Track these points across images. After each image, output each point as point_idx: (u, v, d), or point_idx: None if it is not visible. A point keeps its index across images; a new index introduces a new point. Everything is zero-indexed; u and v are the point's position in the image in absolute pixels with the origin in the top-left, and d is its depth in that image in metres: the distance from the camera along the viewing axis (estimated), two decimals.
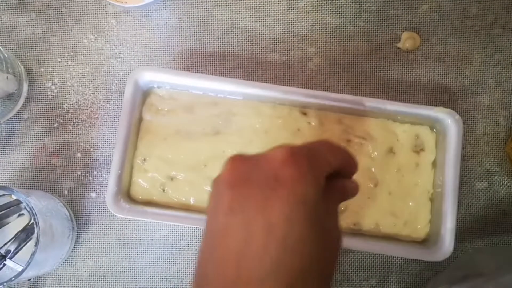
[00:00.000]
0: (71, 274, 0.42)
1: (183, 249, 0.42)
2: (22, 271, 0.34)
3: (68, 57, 0.45)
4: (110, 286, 0.42)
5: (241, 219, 0.24)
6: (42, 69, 0.45)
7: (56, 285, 0.42)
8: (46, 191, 0.42)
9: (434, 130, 0.42)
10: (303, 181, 0.24)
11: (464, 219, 0.43)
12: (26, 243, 0.38)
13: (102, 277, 0.42)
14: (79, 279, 0.42)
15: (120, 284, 0.42)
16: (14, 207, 0.39)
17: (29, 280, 0.41)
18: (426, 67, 0.45)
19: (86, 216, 0.43)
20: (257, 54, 0.45)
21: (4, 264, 0.36)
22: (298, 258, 0.23)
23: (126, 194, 0.41)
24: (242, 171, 0.25)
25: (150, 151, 0.41)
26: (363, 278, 0.42)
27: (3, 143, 0.43)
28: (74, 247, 0.42)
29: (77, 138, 0.44)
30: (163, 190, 0.41)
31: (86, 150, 0.44)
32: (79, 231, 0.42)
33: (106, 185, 0.43)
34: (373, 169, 0.41)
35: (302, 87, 0.41)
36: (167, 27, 0.45)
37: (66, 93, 0.44)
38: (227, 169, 0.25)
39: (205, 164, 0.41)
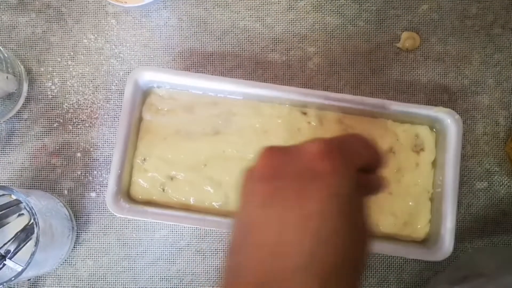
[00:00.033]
0: (71, 274, 0.42)
1: (183, 249, 0.42)
2: (22, 271, 0.34)
3: (68, 57, 0.45)
4: (110, 286, 0.42)
5: (275, 211, 0.24)
6: (42, 69, 0.45)
7: (56, 285, 0.42)
8: (46, 191, 0.42)
9: (434, 130, 0.42)
10: (337, 175, 0.24)
11: (464, 219, 0.43)
12: (26, 243, 0.38)
13: (102, 277, 0.42)
14: (79, 279, 0.42)
15: (120, 284, 0.42)
16: (14, 207, 0.39)
17: (29, 280, 0.41)
18: (426, 67, 0.45)
19: (86, 216, 0.43)
20: (257, 54, 0.45)
21: (4, 264, 0.36)
22: (331, 252, 0.23)
23: (126, 194, 0.41)
24: (276, 163, 0.25)
25: (150, 151, 0.41)
26: (363, 277, 0.42)
27: (3, 143, 0.43)
28: (74, 247, 0.42)
29: (77, 138, 0.44)
30: (163, 190, 0.41)
31: (86, 150, 0.44)
32: (79, 231, 0.42)
33: (106, 185, 0.43)
34: None
35: (302, 87, 0.41)
36: (167, 27, 0.46)
37: (66, 93, 0.44)
38: (261, 161, 0.25)
39: (205, 164, 0.41)
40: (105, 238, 0.42)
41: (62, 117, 0.44)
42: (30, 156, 0.43)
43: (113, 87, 0.45)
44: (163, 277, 0.42)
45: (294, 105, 0.41)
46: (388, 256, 0.42)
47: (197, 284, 0.42)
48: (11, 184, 0.43)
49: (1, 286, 0.35)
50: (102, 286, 0.42)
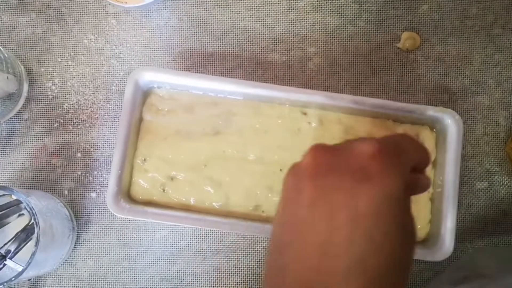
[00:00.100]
0: (71, 274, 0.42)
1: (183, 249, 0.42)
2: (22, 271, 0.34)
3: (69, 57, 0.45)
4: (110, 286, 0.42)
5: (325, 211, 0.23)
6: (43, 69, 0.45)
7: (56, 285, 0.42)
8: (46, 191, 0.42)
9: (434, 130, 0.42)
10: (391, 176, 0.23)
11: (464, 219, 0.43)
12: (26, 243, 0.38)
13: (102, 277, 0.42)
14: (79, 279, 0.42)
15: (120, 284, 0.42)
16: (14, 207, 0.39)
17: (29, 280, 0.41)
18: (426, 67, 0.45)
19: (86, 216, 0.43)
20: (257, 54, 0.45)
21: (4, 264, 0.36)
22: (383, 254, 0.23)
23: (126, 194, 0.41)
24: (325, 162, 0.24)
25: (150, 151, 0.41)
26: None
27: (3, 143, 0.44)
28: (74, 247, 0.42)
29: (77, 138, 0.44)
30: (163, 190, 0.41)
31: (86, 150, 0.44)
32: (79, 231, 0.42)
33: (106, 185, 0.43)
34: None
35: (302, 87, 0.41)
36: (167, 27, 0.46)
37: (66, 93, 0.44)
38: (309, 158, 0.25)
39: (205, 164, 0.41)
40: (106, 238, 0.42)
41: (62, 117, 0.44)
42: (30, 156, 0.43)
43: (113, 87, 0.45)
44: (164, 277, 0.42)
45: (294, 105, 0.41)
46: None
47: (198, 285, 0.42)
48: (12, 184, 0.43)
49: (2, 286, 0.35)
50: (102, 286, 0.42)
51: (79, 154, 0.44)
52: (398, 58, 0.45)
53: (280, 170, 0.41)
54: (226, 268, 0.42)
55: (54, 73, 0.45)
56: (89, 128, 0.44)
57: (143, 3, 0.43)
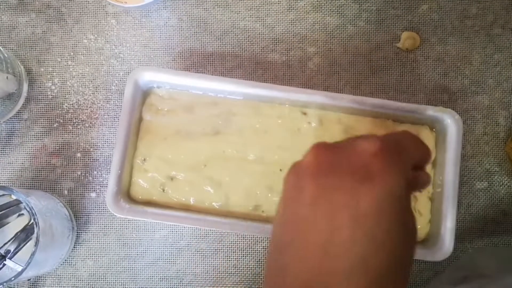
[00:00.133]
0: (71, 274, 0.42)
1: (183, 249, 0.42)
2: (22, 271, 0.34)
3: (68, 57, 0.45)
4: (110, 286, 0.42)
5: (326, 210, 0.23)
6: (42, 69, 0.45)
7: (56, 285, 0.42)
8: (46, 191, 0.42)
9: (434, 130, 0.42)
10: (392, 175, 0.23)
11: (464, 219, 0.43)
12: (26, 243, 0.38)
13: (102, 277, 0.42)
14: (79, 279, 0.42)
15: (120, 284, 0.42)
16: (14, 207, 0.39)
17: (29, 280, 0.41)
18: (426, 67, 0.45)
19: (86, 216, 0.43)
20: (257, 54, 0.45)
21: (4, 264, 0.36)
22: (385, 253, 0.22)
23: (126, 194, 0.41)
24: (326, 160, 0.24)
25: (150, 151, 0.41)
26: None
27: (3, 143, 0.43)
28: (74, 247, 0.42)
29: (77, 138, 0.44)
30: (163, 190, 0.41)
31: (86, 150, 0.44)
32: (79, 231, 0.42)
33: (106, 185, 0.43)
34: None
35: (302, 87, 0.41)
36: (167, 27, 0.46)
37: (66, 93, 0.44)
38: (311, 157, 0.24)
39: (205, 164, 0.41)
40: (105, 238, 0.42)
41: (62, 117, 0.44)
42: (30, 156, 0.43)
43: (113, 87, 0.45)
44: (163, 277, 0.42)
45: (294, 105, 0.41)
46: None
47: (197, 284, 0.42)
48: (11, 184, 0.43)
49: (1, 286, 0.35)
50: (102, 286, 0.42)
51: (78, 154, 0.44)
52: (398, 58, 0.45)
53: (280, 170, 0.41)
54: (226, 268, 0.42)
55: (54, 73, 0.45)
56: (89, 128, 0.44)
57: (143, 3, 0.43)
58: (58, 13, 0.45)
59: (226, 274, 0.42)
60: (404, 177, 0.24)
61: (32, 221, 0.35)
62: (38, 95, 0.44)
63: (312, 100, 0.41)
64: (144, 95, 0.42)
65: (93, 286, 0.42)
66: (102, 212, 0.43)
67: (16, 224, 0.40)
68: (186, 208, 0.40)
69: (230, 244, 0.42)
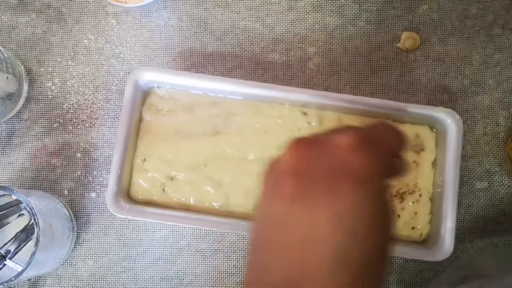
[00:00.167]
0: (71, 274, 0.42)
1: (183, 249, 0.42)
2: (22, 271, 0.34)
3: (68, 57, 0.45)
4: (110, 286, 0.42)
5: (306, 207, 0.23)
6: (42, 69, 0.45)
7: (56, 285, 0.42)
8: (46, 191, 0.42)
9: (434, 130, 0.42)
10: (370, 168, 0.23)
11: (464, 219, 0.43)
12: (26, 243, 0.38)
13: (102, 277, 0.42)
14: (79, 279, 0.42)
15: (120, 284, 0.42)
16: (14, 207, 0.39)
17: (29, 280, 0.41)
18: (426, 67, 0.45)
19: (86, 216, 0.43)
20: (257, 54, 0.45)
21: (4, 264, 0.36)
22: (366, 246, 0.23)
23: (126, 194, 0.41)
24: (304, 157, 0.24)
25: (150, 151, 0.41)
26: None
27: (3, 143, 0.44)
28: (74, 247, 0.42)
29: (77, 138, 0.44)
30: (163, 190, 0.41)
31: (86, 150, 0.44)
32: (79, 231, 0.42)
33: (106, 185, 0.43)
34: None
35: (302, 87, 0.41)
36: (167, 27, 0.46)
37: (66, 93, 0.44)
38: (289, 153, 0.24)
39: (205, 164, 0.41)
40: (105, 238, 0.42)
41: (62, 117, 0.44)
42: (30, 156, 0.43)
43: (113, 87, 0.45)
44: (163, 277, 0.42)
45: (294, 105, 0.41)
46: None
47: (197, 284, 0.42)
48: (11, 184, 0.43)
49: (2, 286, 0.35)
50: (102, 286, 0.42)
51: (79, 154, 0.44)
52: (398, 58, 0.45)
53: None
54: (226, 268, 0.42)
55: (54, 73, 0.45)
56: (89, 128, 0.44)
57: (143, 3, 0.43)
58: (58, 13, 0.45)
59: (226, 274, 0.42)
60: (382, 168, 0.24)
61: (32, 221, 0.35)
62: (38, 95, 0.44)
63: (312, 100, 0.41)
64: (144, 95, 0.42)
65: (93, 286, 0.42)
66: (102, 212, 0.43)
67: (16, 224, 0.40)
68: (186, 208, 0.40)
69: (230, 244, 0.42)
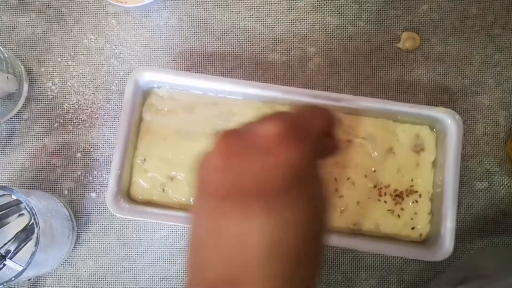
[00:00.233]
0: (71, 274, 0.42)
1: (183, 249, 0.42)
2: (22, 271, 0.34)
3: (68, 57, 0.45)
4: (110, 286, 0.42)
5: (237, 200, 0.23)
6: (43, 69, 0.45)
7: (56, 285, 0.42)
8: (46, 191, 0.42)
9: (434, 130, 0.42)
10: (297, 153, 0.23)
11: (464, 219, 0.43)
12: (26, 243, 0.38)
13: (102, 277, 0.42)
14: (79, 279, 0.42)
15: (120, 284, 0.42)
16: (14, 207, 0.39)
17: (29, 280, 0.41)
18: (426, 67, 0.45)
19: (86, 216, 0.43)
20: (257, 54, 0.45)
21: (4, 264, 0.36)
22: (298, 236, 0.23)
23: (126, 194, 0.41)
24: (231, 149, 0.24)
25: (150, 151, 0.41)
26: (363, 278, 0.42)
27: (3, 143, 0.44)
28: (74, 247, 0.42)
29: (77, 138, 0.44)
30: (163, 190, 0.41)
31: (86, 150, 0.44)
32: (79, 231, 0.42)
33: (106, 185, 0.43)
34: (373, 169, 0.41)
35: (302, 87, 0.41)
36: (167, 27, 0.46)
37: (66, 93, 0.44)
38: (217, 147, 0.24)
39: None
40: (105, 238, 0.42)
41: (62, 117, 0.44)
42: (30, 156, 0.43)
43: (113, 87, 0.45)
44: (163, 277, 0.42)
45: (295, 105, 0.41)
46: (388, 257, 0.42)
47: None
48: (12, 184, 0.43)
49: (2, 286, 0.35)
50: (102, 286, 0.42)
51: (79, 154, 0.44)
52: (398, 58, 0.45)
53: None
54: None
55: (54, 73, 0.45)
56: (89, 128, 0.44)
57: (143, 3, 0.43)
58: (58, 13, 0.45)
59: None
60: (310, 151, 0.24)
61: (32, 221, 0.35)
62: (38, 95, 0.44)
63: (312, 100, 0.40)
64: (144, 95, 0.42)
65: (94, 286, 0.42)
66: (102, 212, 0.43)
67: (16, 224, 0.40)
68: (186, 208, 0.40)
69: None
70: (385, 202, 0.40)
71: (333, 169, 0.41)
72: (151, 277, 0.42)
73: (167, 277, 0.42)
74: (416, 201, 0.40)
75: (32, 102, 0.44)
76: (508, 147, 0.43)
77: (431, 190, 0.41)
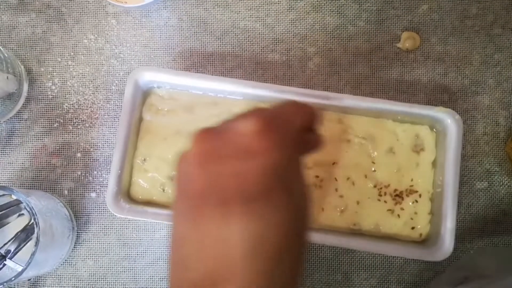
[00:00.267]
0: (71, 274, 0.42)
1: None
2: (22, 271, 0.34)
3: (68, 57, 0.45)
4: (110, 286, 0.42)
5: (217, 199, 0.23)
6: (42, 69, 0.45)
7: (56, 285, 0.42)
8: (46, 191, 0.42)
9: (434, 130, 0.42)
10: (275, 150, 0.23)
11: (464, 219, 0.43)
12: (26, 243, 0.38)
13: (102, 277, 0.42)
14: (79, 279, 0.42)
15: (120, 284, 0.42)
16: (14, 207, 0.39)
17: (29, 280, 0.41)
18: (426, 67, 0.45)
19: (86, 216, 0.43)
20: (257, 54, 0.45)
21: (4, 264, 0.36)
22: (279, 232, 0.23)
23: (126, 194, 0.41)
24: (210, 148, 0.23)
25: (150, 151, 0.41)
26: (363, 278, 0.42)
27: (3, 143, 0.44)
28: (74, 247, 0.42)
29: (77, 138, 0.44)
30: (163, 190, 0.41)
31: (86, 150, 0.44)
32: (79, 231, 0.42)
33: (106, 185, 0.43)
34: (373, 169, 0.41)
35: (302, 87, 0.41)
36: (167, 27, 0.46)
37: (66, 93, 0.44)
38: (195, 145, 0.24)
39: None
40: (105, 238, 0.42)
41: (62, 117, 0.44)
42: (30, 156, 0.43)
43: (113, 87, 0.45)
44: (163, 277, 0.42)
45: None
46: (389, 257, 0.42)
47: None
48: (11, 184, 0.43)
49: (2, 286, 0.35)
50: (102, 286, 0.42)
51: (79, 154, 0.44)
52: (398, 58, 0.45)
53: None
54: None
55: (54, 73, 0.45)
56: (89, 128, 0.44)
57: (143, 3, 0.43)
58: (58, 13, 0.45)
59: None
60: (288, 151, 0.24)
61: (32, 221, 0.35)
62: (38, 95, 0.44)
63: (312, 100, 0.41)
64: (144, 95, 0.42)
65: (94, 286, 0.42)
66: (102, 212, 0.43)
67: (16, 224, 0.40)
68: None
69: None
70: (385, 202, 0.40)
71: (333, 169, 0.41)
72: (151, 277, 0.42)
73: (167, 277, 0.42)
74: (416, 201, 0.40)
75: (32, 102, 0.44)
76: (508, 147, 0.43)
77: (431, 190, 0.41)
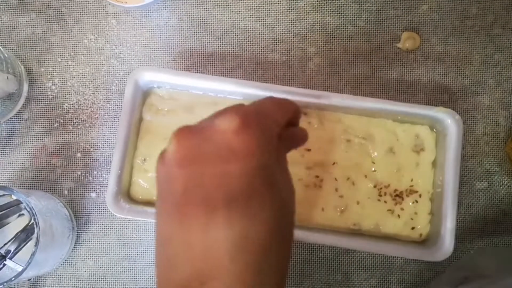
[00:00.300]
0: (71, 274, 0.42)
1: None
2: (22, 271, 0.34)
3: (68, 57, 0.45)
4: (110, 286, 0.42)
5: (200, 197, 0.22)
6: (43, 69, 0.45)
7: (56, 285, 0.42)
8: (46, 191, 0.42)
9: (434, 130, 0.42)
10: (258, 148, 0.23)
11: (464, 219, 0.43)
12: (26, 243, 0.38)
13: (102, 277, 0.42)
14: (79, 279, 0.42)
15: (120, 284, 0.42)
16: (14, 207, 0.39)
17: (29, 280, 0.41)
18: (426, 67, 0.45)
19: (86, 216, 0.43)
20: (257, 54, 0.45)
21: (4, 264, 0.36)
22: (264, 229, 0.22)
23: (126, 194, 0.41)
24: (190, 146, 0.23)
25: (150, 151, 0.41)
26: (363, 278, 0.42)
27: (3, 143, 0.44)
28: (74, 247, 0.42)
29: (77, 138, 0.44)
30: None
31: (86, 150, 0.44)
32: (79, 231, 0.42)
33: (106, 185, 0.43)
34: (373, 169, 0.41)
35: (302, 87, 0.41)
36: (167, 27, 0.46)
37: (66, 93, 0.44)
38: (175, 144, 0.23)
39: None
40: (105, 238, 0.42)
41: (62, 117, 0.44)
42: (30, 156, 0.43)
43: (113, 87, 0.45)
44: None
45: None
46: (389, 257, 0.42)
47: None
48: (12, 184, 0.43)
49: (2, 286, 0.35)
50: (102, 286, 0.42)
51: (79, 154, 0.44)
52: (398, 58, 0.45)
53: None
54: None
55: (54, 73, 0.45)
56: (89, 128, 0.44)
57: (143, 3, 0.43)
58: (58, 13, 0.45)
59: None
60: (270, 147, 0.24)
61: (32, 221, 0.35)
62: (38, 95, 0.44)
63: (312, 100, 0.41)
64: (144, 95, 0.42)
65: (94, 286, 0.42)
66: (102, 212, 0.43)
67: (16, 224, 0.40)
68: None
69: None
70: (385, 202, 0.40)
71: (333, 169, 0.41)
72: (151, 277, 0.42)
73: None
74: (416, 201, 0.40)
75: (32, 102, 0.44)
76: (508, 147, 0.43)
77: (431, 190, 0.41)
